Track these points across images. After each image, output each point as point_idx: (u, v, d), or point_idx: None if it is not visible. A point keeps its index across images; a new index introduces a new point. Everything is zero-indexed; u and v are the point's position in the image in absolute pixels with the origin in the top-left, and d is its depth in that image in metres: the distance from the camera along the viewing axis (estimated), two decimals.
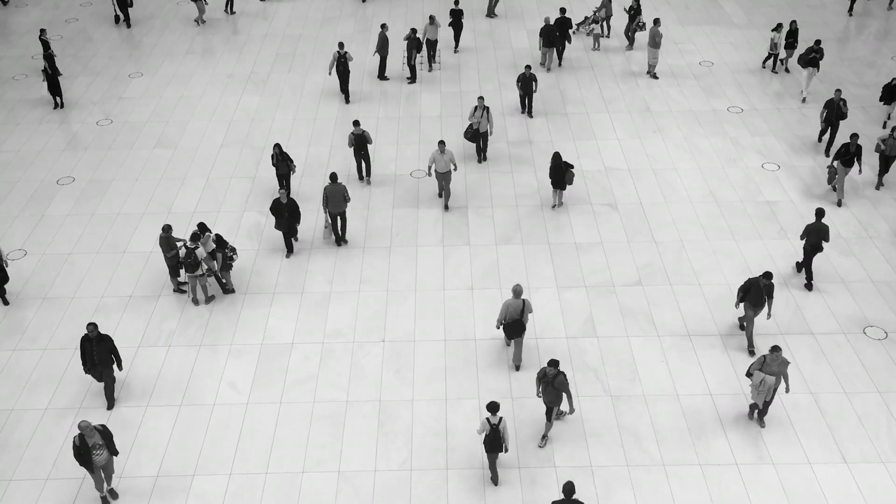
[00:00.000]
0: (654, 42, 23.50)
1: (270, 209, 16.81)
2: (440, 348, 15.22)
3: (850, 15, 28.01)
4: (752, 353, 14.88)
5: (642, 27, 25.40)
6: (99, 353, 13.55)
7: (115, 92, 23.99)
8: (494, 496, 12.58)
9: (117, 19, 27.65)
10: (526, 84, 21.90)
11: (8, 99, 23.73)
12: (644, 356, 15.00)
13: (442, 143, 17.88)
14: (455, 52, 25.96)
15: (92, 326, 13.39)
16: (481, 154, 20.49)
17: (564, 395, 12.98)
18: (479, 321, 15.78)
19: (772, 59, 24.63)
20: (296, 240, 17.86)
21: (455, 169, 18.65)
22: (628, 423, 13.73)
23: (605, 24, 26.95)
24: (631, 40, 25.85)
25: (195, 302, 16.24)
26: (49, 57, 22.53)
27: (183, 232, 18.24)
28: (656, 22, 23.30)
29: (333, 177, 17.41)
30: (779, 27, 23.52)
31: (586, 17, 26.73)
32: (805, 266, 16.29)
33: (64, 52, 26.38)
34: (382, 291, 16.55)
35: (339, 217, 17.97)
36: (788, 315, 15.78)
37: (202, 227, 16.23)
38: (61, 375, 14.78)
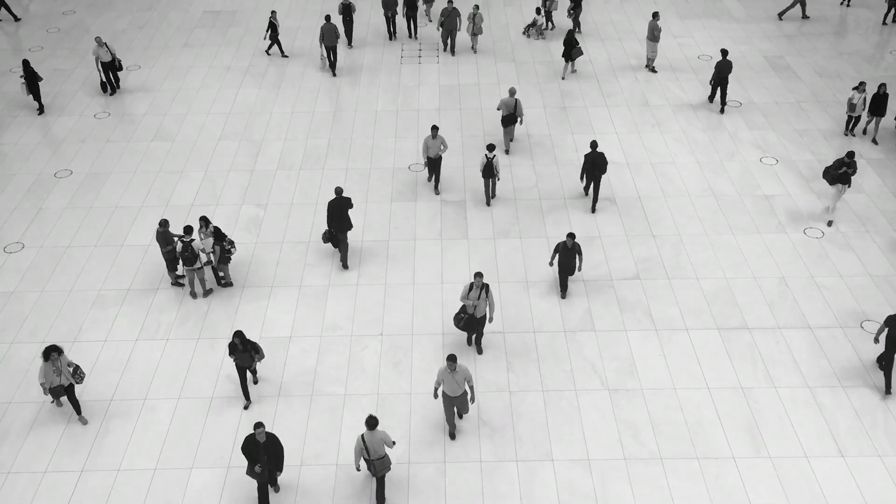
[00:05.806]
0: (653, 36, 23.46)
1: (242, 450, 11.76)
2: (438, 341, 15.23)
3: (885, 24, 26.74)
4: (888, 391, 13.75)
5: (571, 13, 25.92)
6: None
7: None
8: (492, 489, 12.60)
9: (104, 87, 23.19)
10: (566, 258, 15.63)
11: (5, 91, 23.66)
12: (642, 350, 15.02)
13: (452, 358, 12.49)
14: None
15: None
16: (475, 344, 14.92)
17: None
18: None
19: (851, 121, 20.85)
20: (276, 490, 12.54)
21: (473, 400, 13.02)
22: (626, 417, 13.76)
23: (551, 17, 26.67)
24: (575, 24, 26.12)
25: (193, 295, 16.24)
26: (25, 63, 21.60)
27: (181, 225, 18.21)
28: (655, 16, 23.26)
29: (328, 18, 22.92)
30: (861, 86, 20.03)
31: (536, 19, 26.15)
32: (713, 94, 22.07)
33: (61, 44, 26.30)
34: (380, 285, 16.55)
35: (331, 51, 23.51)
36: (786, 309, 15.81)
37: (205, 221, 16.06)
38: None
